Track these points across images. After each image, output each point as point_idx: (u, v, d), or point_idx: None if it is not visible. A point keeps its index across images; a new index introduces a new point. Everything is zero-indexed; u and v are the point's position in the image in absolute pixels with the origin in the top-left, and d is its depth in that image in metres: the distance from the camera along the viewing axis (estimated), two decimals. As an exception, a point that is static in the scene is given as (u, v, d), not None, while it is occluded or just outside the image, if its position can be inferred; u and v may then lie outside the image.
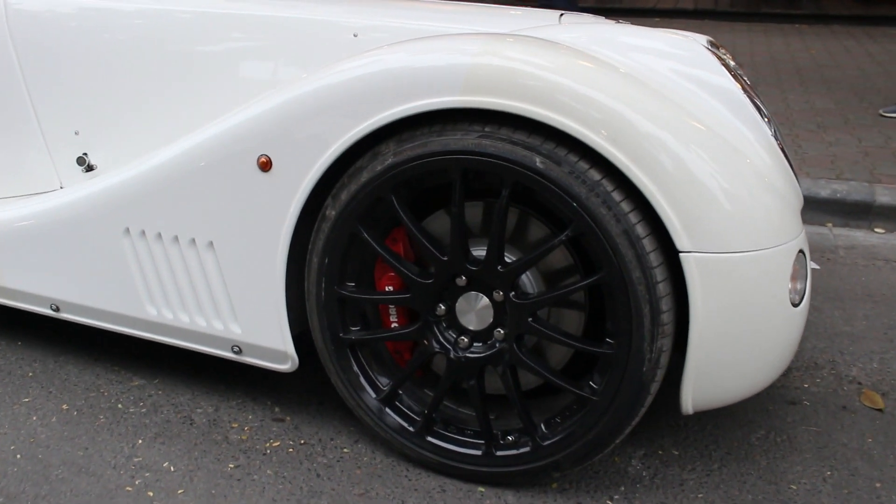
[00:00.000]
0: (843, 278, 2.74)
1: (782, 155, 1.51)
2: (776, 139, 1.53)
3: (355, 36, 1.87)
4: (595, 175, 1.34)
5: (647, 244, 1.35)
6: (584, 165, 1.35)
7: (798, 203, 1.54)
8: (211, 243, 1.64)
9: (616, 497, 1.56)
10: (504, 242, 1.46)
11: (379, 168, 1.46)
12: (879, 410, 1.89)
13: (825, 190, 3.39)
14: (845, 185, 3.39)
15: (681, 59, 1.55)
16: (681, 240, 1.33)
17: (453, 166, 1.41)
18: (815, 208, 3.36)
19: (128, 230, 1.71)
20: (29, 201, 1.89)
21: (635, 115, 1.32)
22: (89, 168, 2.03)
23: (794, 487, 1.60)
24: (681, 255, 1.34)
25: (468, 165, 1.40)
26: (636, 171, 1.31)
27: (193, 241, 1.66)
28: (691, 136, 1.35)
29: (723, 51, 2.57)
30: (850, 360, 2.14)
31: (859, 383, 2.02)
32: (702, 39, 1.78)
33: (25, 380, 1.95)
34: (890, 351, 2.18)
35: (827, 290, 2.63)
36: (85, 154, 2.02)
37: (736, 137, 1.44)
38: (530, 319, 1.46)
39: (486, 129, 1.39)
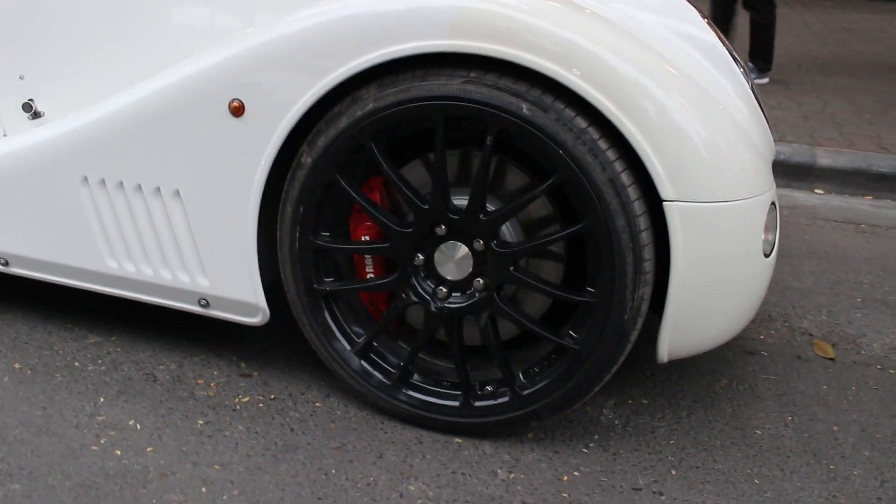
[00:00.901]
0: (789, 237, 2.82)
1: (759, 107, 1.53)
2: (752, 92, 1.55)
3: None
4: (581, 123, 1.33)
5: (632, 193, 1.35)
6: (570, 113, 1.33)
7: (771, 156, 1.57)
8: (177, 192, 1.58)
9: (591, 445, 1.58)
10: (486, 191, 1.44)
11: (359, 114, 1.42)
12: (831, 359, 1.96)
13: (770, 152, 3.48)
14: (787, 148, 3.49)
15: (663, 10, 1.55)
16: (665, 188, 1.34)
17: (437, 113, 1.38)
18: (759, 170, 3.45)
19: (86, 179, 1.62)
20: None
21: (622, 63, 1.31)
22: (36, 115, 1.91)
23: (759, 432, 1.65)
24: (664, 203, 1.35)
25: (452, 112, 1.37)
26: (623, 118, 1.30)
27: (158, 189, 1.59)
28: (675, 85, 1.35)
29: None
30: (801, 313, 2.21)
31: (811, 335, 2.09)
32: None
33: (-29, 338, 1.85)
34: (837, 304, 2.26)
35: (774, 247, 2.71)
36: (31, 100, 1.90)
37: (716, 88, 1.45)
38: (512, 269, 1.45)
39: (472, 74, 1.36)
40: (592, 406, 1.71)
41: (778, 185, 3.32)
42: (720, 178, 1.37)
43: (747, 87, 1.52)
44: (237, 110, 1.47)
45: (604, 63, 1.30)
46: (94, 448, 1.51)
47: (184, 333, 1.89)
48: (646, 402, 1.74)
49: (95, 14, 1.86)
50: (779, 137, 3.60)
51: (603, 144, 1.34)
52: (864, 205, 3.19)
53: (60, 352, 1.81)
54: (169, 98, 1.51)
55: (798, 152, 3.46)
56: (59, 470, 1.44)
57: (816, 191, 3.35)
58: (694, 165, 1.34)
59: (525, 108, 1.33)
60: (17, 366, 1.75)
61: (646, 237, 1.37)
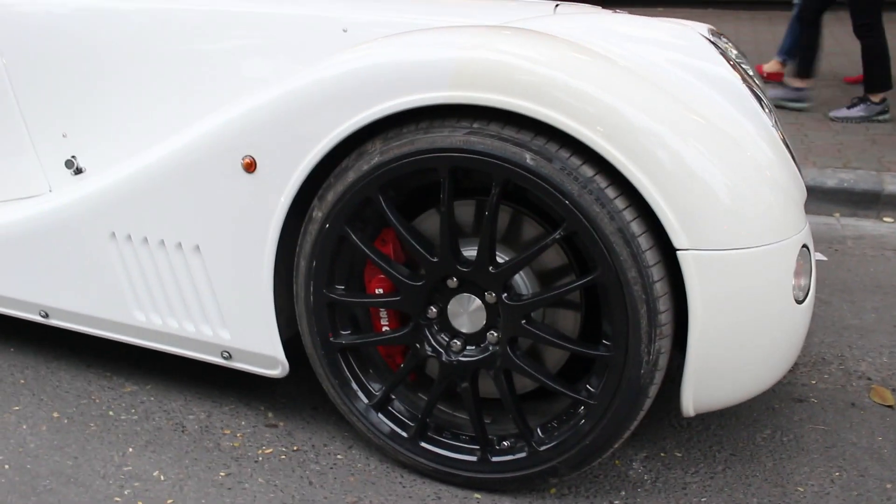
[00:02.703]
0: (852, 269, 2.68)
1: (784, 147, 1.45)
2: (777, 130, 1.48)
3: (345, 31, 1.82)
4: (588, 171, 1.29)
5: (643, 242, 1.30)
6: (576, 161, 1.30)
7: (801, 196, 1.49)
8: (197, 247, 1.60)
9: (616, 502, 1.51)
10: (495, 242, 1.41)
11: (365, 167, 1.41)
12: (889, 407, 1.83)
13: (832, 179, 3.32)
14: (852, 175, 3.32)
15: (678, 48, 1.50)
16: (678, 237, 1.28)
17: (441, 164, 1.36)
18: (821, 198, 3.29)
19: (114, 234, 1.67)
20: (17, 206, 1.86)
21: (630, 108, 1.27)
22: (78, 171, 1.99)
23: (801, 490, 1.55)
24: (678, 253, 1.29)
25: (457, 163, 1.35)
26: (632, 167, 1.26)
27: (180, 244, 1.62)
28: (688, 129, 1.30)
29: (724, 39, 2.50)
30: (859, 354, 2.08)
31: (869, 379, 1.96)
32: (701, 28, 1.72)
33: (17, 387, 1.92)
34: (900, 345, 2.12)
35: (835, 281, 2.57)
36: (73, 157, 1.99)
37: (735, 129, 1.38)
38: (523, 322, 1.41)
39: (475, 125, 1.34)
40: (622, 459, 1.64)
41: (842, 214, 3.20)
42: (739, 223, 1.30)
43: (770, 125, 1.44)
44: (249, 166, 1.49)
45: (607, 108, 1.26)
46: (118, 499, 1.53)
47: (216, 382, 1.92)
48: (679, 455, 1.66)
49: (132, 76, 1.93)
50: (843, 163, 3.43)
51: (611, 193, 1.29)
52: (937, 234, 3.01)
53: (97, 401, 1.86)
54: (185, 156, 1.54)
55: (864, 179, 3.30)
56: (81, 523, 1.48)
57: (885, 219, 3.17)
58: (709, 212, 1.28)
59: (529, 159, 1.30)
60: (55, 414, 1.81)
61: (661, 288, 1.31)
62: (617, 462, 1.63)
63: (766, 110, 1.49)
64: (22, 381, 1.94)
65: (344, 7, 1.88)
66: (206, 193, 1.55)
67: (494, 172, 1.33)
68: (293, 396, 1.87)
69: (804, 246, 1.43)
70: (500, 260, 1.43)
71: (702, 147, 1.30)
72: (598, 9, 2.08)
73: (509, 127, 1.33)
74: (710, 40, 1.57)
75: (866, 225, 3.16)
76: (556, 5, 1.96)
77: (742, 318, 1.34)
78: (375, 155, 1.40)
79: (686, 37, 1.53)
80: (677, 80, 1.42)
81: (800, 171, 1.56)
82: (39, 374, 1.97)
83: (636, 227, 1.29)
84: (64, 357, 2.04)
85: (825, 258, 2.80)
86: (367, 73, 1.37)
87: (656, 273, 1.31)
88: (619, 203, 1.29)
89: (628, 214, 1.29)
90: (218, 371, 1.92)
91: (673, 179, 1.26)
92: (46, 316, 1.84)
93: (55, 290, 1.80)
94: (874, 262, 2.75)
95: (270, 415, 1.81)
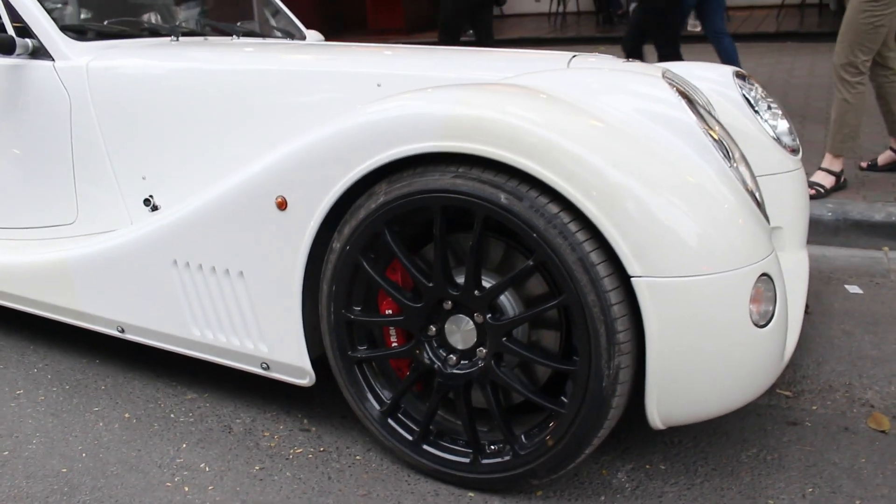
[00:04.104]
0: (885, 303, 2.72)
1: (739, 184, 1.60)
2: (731, 164, 1.63)
3: (379, 85, 2.10)
4: (553, 209, 1.50)
5: (602, 270, 1.49)
6: (543, 200, 1.51)
7: (760, 227, 1.62)
8: (241, 273, 1.89)
9: (595, 505, 1.68)
10: (480, 270, 1.63)
11: (373, 206, 1.67)
12: (883, 432, 1.91)
13: (880, 213, 3.35)
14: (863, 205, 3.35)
15: (647, 97, 1.68)
16: (631, 266, 1.46)
17: (434, 203, 1.60)
18: (869, 232, 3.33)
19: (175, 262, 1.99)
20: (103, 237, 2.21)
21: (589, 152, 1.47)
22: (154, 208, 2.34)
23: (771, 502, 1.67)
24: (632, 279, 1.47)
25: (446, 202, 1.59)
26: (586, 202, 1.46)
27: (227, 271, 1.91)
28: (637, 166, 1.49)
29: (751, 81, 2.64)
30: (868, 382, 2.16)
31: (871, 406, 2.04)
32: (724, 72, 1.89)
33: (98, 392, 2.26)
34: (911, 375, 2.18)
35: (865, 314, 2.63)
36: (150, 196, 2.34)
37: (688, 167, 1.55)
38: (504, 339, 1.62)
39: (460, 169, 1.57)
40: (609, 469, 1.80)
41: (892, 247, 3.21)
42: (690, 253, 1.47)
43: (725, 164, 1.59)
44: (281, 205, 1.77)
45: (568, 154, 1.47)
46: (168, 484, 1.82)
47: (264, 393, 2.19)
48: (663, 467, 1.81)
49: (198, 123, 2.27)
50: (862, 196, 3.46)
51: (574, 227, 1.49)
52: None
53: (162, 405, 2.17)
54: (231, 197, 1.84)
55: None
56: (138, 500, 1.76)
57: (922, 252, 3.18)
58: (660, 242, 1.46)
59: (503, 198, 1.52)
60: (126, 415, 2.13)
61: (619, 310, 1.49)
62: (604, 472, 1.80)
63: (721, 149, 1.65)
64: (103, 388, 2.28)
65: (378, 64, 2.16)
66: (247, 228, 1.84)
67: (476, 210, 1.56)
68: (327, 406, 2.13)
69: (763, 274, 1.57)
70: (486, 285, 1.65)
71: (652, 182, 1.48)
72: (612, 59, 2.28)
73: (488, 171, 1.55)
74: (674, 86, 1.74)
75: (900, 257, 3.17)
76: (573, 57, 2.17)
77: (696, 340, 1.50)
78: (381, 195, 1.65)
79: (655, 86, 1.72)
80: (637, 124, 1.60)
81: (762, 206, 1.70)
82: (118, 382, 2.30)
83: (595, 257, 1.49)
84: (138, 368, 2.37)
85: (860, 291, 2.85)
86: (374, 127, 1.63)
87: (614, 297, 1.49)
88: (581, 236, 1.49)
89: (588, 246, 1.49)
90: (265, 383, 2.20)
91: (624, 212, 1.45)
92: (122, 331, 2.17)
93: (130, 308, 2.13)
94: (907, 295, 2.78)
95: (306, 421, 2.07)
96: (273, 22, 3.33)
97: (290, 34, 3.19)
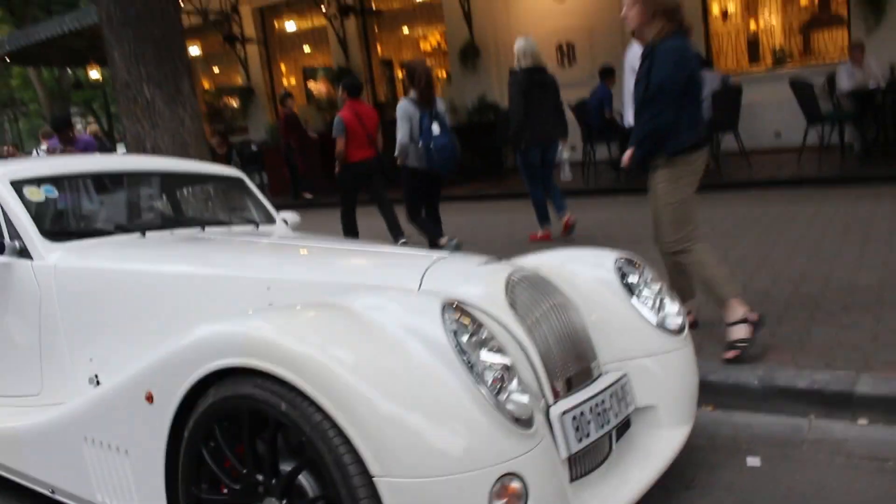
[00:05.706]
0: (775, 479, 2.76)
1: (485, 398, 1.89)
2: (476, 381, 1.92)
3: (268, 289, 2.54)
4: (317, 417, 1.85)
5: (353, 469, 1.81)
6: (311, 409, 1.86)
7: (504, 433, 1.87)
8: (127, 451, 2.31)
9: None
10: (276, 462, 1.98)
11: (206, 405, 2.07)
12: None
13: (804, 381, 3.43)
14: (827, 375, 3.41)
15: (411, 309, 2.04)
16: (372, 466, 1.79)
17: (242, 406, 1.99)
18: (793, 399, 3.40)
19: (85, 438, 2.43)
20: (48, 410, 2.70)
21: (342, 370, 1.84)
22: (98, 384, 2.82)
23: None
24: (374, 479, 1.79)
25: (249, 406, 1.97)
26: (335, 412, 1.81)
27: (118, 448, 2.34)
28: (389, 383, 1.83)
29: (637, 267, 2.89)
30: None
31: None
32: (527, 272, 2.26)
33: (37, 543, 2.68)
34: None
35: (745, 492, 2.68)
36: (95, 375, 2.83)
37: (433, 380, 1.87)
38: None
39: (258, 380, 1.96)
40: None
41: (817, 415, 3.23)
42: (424, 456, 1.78)
43: (469, 380, 1.89)
44: (149, 398, 2.20)
45: (322, 369, 1.84)
46: None
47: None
48: None
49: (131, 314, 2.77)
50: (825, 364, 3.52)
51: (332, 433, 1.83)
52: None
53: (80, 557, 2.56)
54: (123, 386, 2.29)
55: (837, 380, 3.36)
56: None
57: (860, 421, 3.19)
58: (397, 447, 1.78)
59: (283, 406, 1.90)
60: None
61: (369, 504, 1.80)
62: None
63: (467, 362, 1.93)
64: (43, 538, 2.70)
65: (268, 269, 2.62)
66: (130, 415, 2.27)
67: (269, 414, 1.93)
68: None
69: (508, 474, 1.84)
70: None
71: (396, 395, 1.81)
72: (470, 258, 2.63)
73: (277, 383, 1.93)
74: (444, 307, 2.08)
75: (835, 427, 3.19)
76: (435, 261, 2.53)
77: (440, 534, 1.77)
78: (210, 397, 2.06)
79: (420, 304, 2.07)
80: (395, 339, 1.94)
81: (503, 411, 1.96)
82: (57, 533, 2.72)
83: (348, 458, 1.82)
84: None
85: (758, 465, 2.91)
86: (196, 344, 2.07)
87: (363, 493, 1.80)
88: (337, 440, 1.83)
89: (343, 448, 1.82)
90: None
91: (365, 419, 1.79)
92: (53, 492, 2.61)
93: (59, 473, 2.57)
94: (816, 469, 2.82)
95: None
96: (250, 204, 3.86)
97: (255, 222, 3.71)
